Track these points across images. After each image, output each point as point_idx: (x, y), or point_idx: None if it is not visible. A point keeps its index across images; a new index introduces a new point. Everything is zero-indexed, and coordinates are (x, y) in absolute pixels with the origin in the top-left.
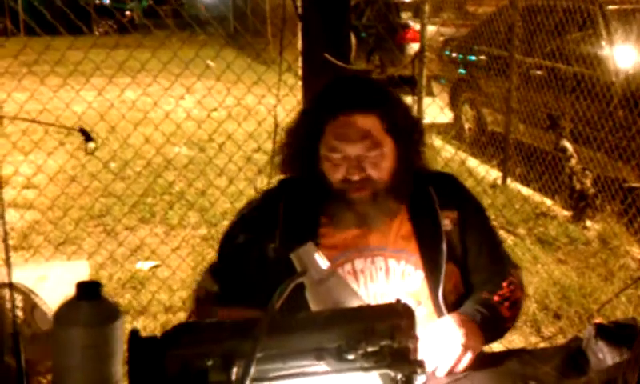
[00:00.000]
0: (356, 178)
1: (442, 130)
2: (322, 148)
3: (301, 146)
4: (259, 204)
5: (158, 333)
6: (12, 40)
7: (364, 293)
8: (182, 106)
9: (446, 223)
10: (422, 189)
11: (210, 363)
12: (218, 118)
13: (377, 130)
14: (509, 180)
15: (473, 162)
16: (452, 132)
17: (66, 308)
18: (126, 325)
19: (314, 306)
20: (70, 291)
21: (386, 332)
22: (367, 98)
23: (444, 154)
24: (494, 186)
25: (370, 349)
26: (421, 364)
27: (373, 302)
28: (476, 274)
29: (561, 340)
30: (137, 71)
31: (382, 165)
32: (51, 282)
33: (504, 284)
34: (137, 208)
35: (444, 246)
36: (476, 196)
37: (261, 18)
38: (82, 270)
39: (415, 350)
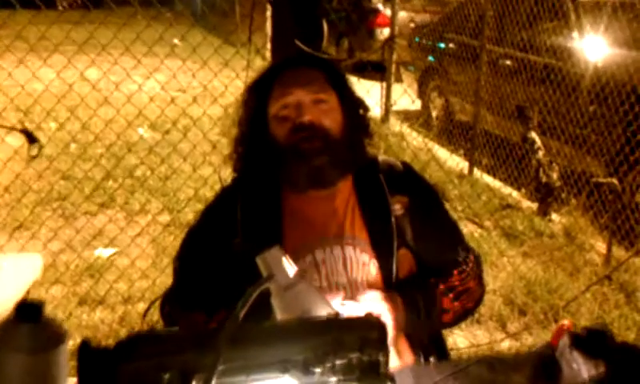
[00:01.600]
0: (306, 119)
1: (410, 117)
2: (271, 108)
3: (250, 114)
4: (216, 204)
5: (115, 325)
6: None
7: (326, 285)
8: (147, 87)
9: (397, 208)
10: (372, 176)
11: (167, 377)
12: (183, 100)
13: (322, 82)
14: (475, 170)
15: (440, 151)
16: (420, 120)
17: (3, 331)
18: (83, 315)
19: (279, 315)
20: (21, 286)
21: (355, 344)
22: (313, 58)
23: (411, 141)
24: (460, 175)
25: (338, 361)
26: (392, 378)
27: (334, 294)
28: (428, 259)
29: (526, 337)
30: (99, 50)
31: (329, 115)
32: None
33: (454, 271)
34: (97, 193)
35: (394, 233)
36: (438, 184)
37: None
38: (34, 264)
39: (386, 363)
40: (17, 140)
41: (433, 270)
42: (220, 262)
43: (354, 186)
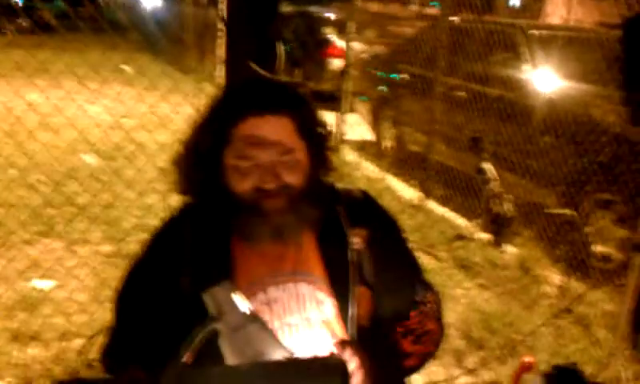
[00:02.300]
0: (271, 186)
1: (363, 147)
2: (228, 156)
3: (202, 156)
4: (162, 235)
5: (49, 364)
6: None
7: (278, 325)
8: (92, 112)
9: (357, 241)
10: (330, 208)
11: None
12: (128, 125)
13: (289, 132)
14: (428, 200)
15: (393, 181)
16: (372, 149)
17: None
18: (13, 352)
19: (230, 359)
20: None
21: None
22: (279, 98)
23: (364, 171)
24: (414, 206)
25: None
26: None
27: (288, 335)
28: (385, 298)
29: (485, 372)
30: (37, 71)
31: (296, 170)
32: None
33: (412, 314)
34: (33, 220)
35: (352, 269)
36: (394, 215)
37: (180, 24)
38: None
39: None
40: None
41: (390, 311)
42: (165, 303)
43: (316, 224)
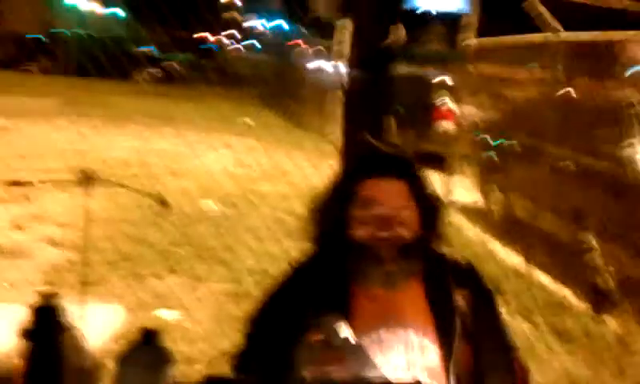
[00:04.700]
0: (385, 235)
1: (469, 210)
2: (352, 210)
3: (331, 207)
4: (292, 276)
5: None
6: (58, 79)
7: (385, 364)
8: (213, 159)
9: (460, 301)
10: (438, 266)
11: None
12: (250, 175)
13: (403, 193)
14: (530, 267)
15: (496, 245)
16: (478, 212)
17: (130, 351)
18: None
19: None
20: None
21: None
22: (397, 166)
23: (468, 233)
24: (515, 271)
25: None
26: None
27: (391, 372)
28: (485, 359)
29: None
30: (165, 119)
31: (407, 225)
32: (90, 322)
33: (509, 376)
34: (161, 257)
35: (457, 323)
36: (495, 279)
37: (301, 82)
38: (117, 314)
39: None
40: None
41: (491, 370)
42: (289, 331)
43: (423, 276)
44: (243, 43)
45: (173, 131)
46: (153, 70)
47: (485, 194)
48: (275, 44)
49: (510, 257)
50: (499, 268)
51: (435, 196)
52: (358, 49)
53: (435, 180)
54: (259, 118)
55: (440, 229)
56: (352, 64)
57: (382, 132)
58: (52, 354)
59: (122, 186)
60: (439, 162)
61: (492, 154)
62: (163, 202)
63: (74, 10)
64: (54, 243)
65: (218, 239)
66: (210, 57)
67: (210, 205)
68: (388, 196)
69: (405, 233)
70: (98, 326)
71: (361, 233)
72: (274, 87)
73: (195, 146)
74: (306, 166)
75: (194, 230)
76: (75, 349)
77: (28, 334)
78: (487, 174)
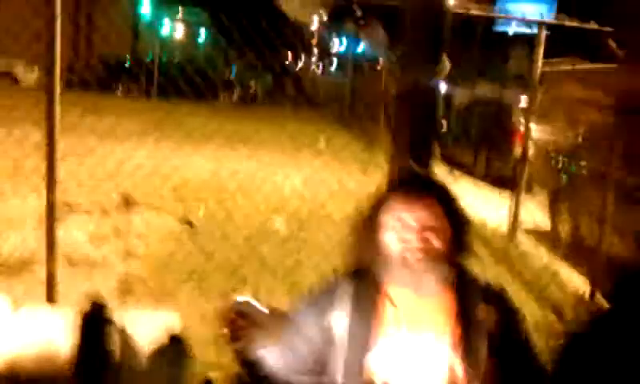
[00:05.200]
0: (418, 245)
1: (537, 232)
2: (385, 217)
3: (367, 218)
4: (330, 285)
5: None
6: (141, 101)
7: (411, 374)
8: (284, 179)
9: (487, 317)
10: (469, 282)
11: None
12: (318, 195)
13: (436, 209)
14: (597, 294)
15: (563, 269)
16: (546, 236)
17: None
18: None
19: None
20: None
21: None
22: (430, 188)
23: (535, 256)
24: (581, 299)
25: None
26: None
27: (415, 376)
28: (509, 377)
29: None
30: (241, 140)
31: (438, 238)
32: (143, 326)
33: None
34: (228, 274)
35: (485, 342)
36: (560, 308)
37: (374, 102)
38: (173, 321)
39: None
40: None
41: None
42: (315, 332)
43: (455, 293)
44: (323, 66)
45: (247, 152)
46: (233, 92)
47: (554, 217)
48: (357, 66)
49: (577, 282)
50: (564, 293)
51: (466, 216)
52: (404, 79)
53: (506, 203)
54: (335, 138)
55: (469, 246)
56: (399, 94)
57: (429, 158)
58: (100, 353)
59: (155, 207)
60: (512, 185)
61: (562, 177)
62: (189, 223)
63: (156, 34)
64: (128, 256)
65: (283, 257)
66: (290, 78)
67: (277, 223)
68: (422, 210)
69: (434, 244)
70: (152, 332)
71: (393, 240)
72: (352, 109)
73: (267, 167)
74: (371, 186)
75: (260, 248)
76: (125, 350)
77: (79, 333)
78: (557, 198)
